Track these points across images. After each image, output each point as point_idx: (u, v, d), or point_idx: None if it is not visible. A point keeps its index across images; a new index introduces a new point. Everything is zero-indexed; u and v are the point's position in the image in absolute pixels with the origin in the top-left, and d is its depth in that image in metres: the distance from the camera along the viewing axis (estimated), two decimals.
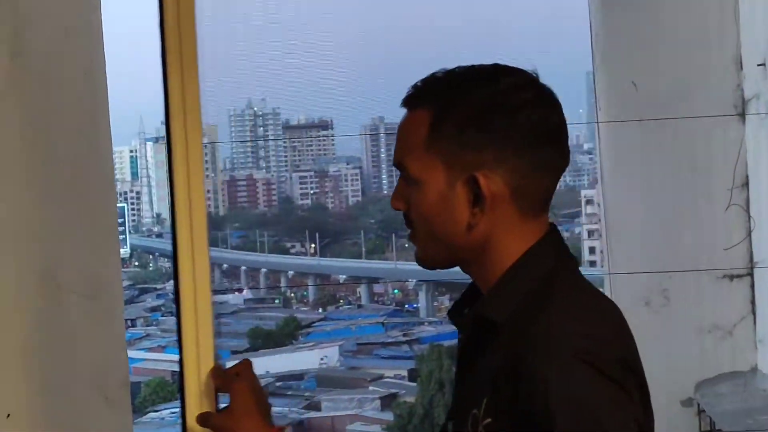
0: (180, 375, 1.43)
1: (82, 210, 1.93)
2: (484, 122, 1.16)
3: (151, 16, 1.36)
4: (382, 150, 30.64)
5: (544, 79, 1.19)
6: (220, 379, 1.43)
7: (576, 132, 27.48)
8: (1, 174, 1.76)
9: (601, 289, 1.29)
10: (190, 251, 1.42)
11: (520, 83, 1.19)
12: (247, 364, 1.46)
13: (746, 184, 3.47)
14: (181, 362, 1.43)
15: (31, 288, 1.80)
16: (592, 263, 23.04)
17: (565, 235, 25.28)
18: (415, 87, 1.21)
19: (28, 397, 1.79)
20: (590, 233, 23.79)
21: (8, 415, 1.71)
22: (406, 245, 29.80)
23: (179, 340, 1.44)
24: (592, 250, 23.23)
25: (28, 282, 1.79)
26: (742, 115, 3.45)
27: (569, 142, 1.24)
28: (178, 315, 1.47)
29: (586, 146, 26.42)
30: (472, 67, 1.22)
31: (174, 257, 1.45)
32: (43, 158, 1.88)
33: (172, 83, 1.37)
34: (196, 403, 1.37)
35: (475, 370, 1.19)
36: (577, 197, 25.37)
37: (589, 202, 24.23)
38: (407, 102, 1.21)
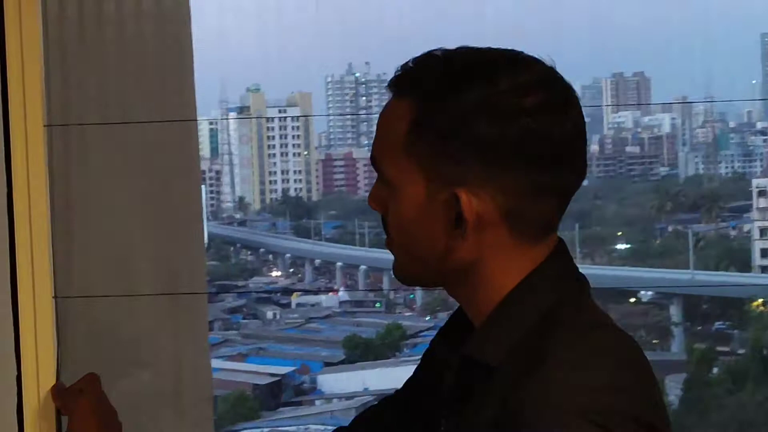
0: (18, 393, 1.47)
1: (160, 191, 2.01)
2: (470, 130, 1.12)
3: None
4: None
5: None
6: (62, 397, 1.45)
7: (747, 108, 26.91)
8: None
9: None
10: (29, 251, 1.46)
11: (525, 83, 1.14)
12: (92, 379, 1.49)
13: None
14: (18, 379, 1.47)
15: (100, 282, 1.89)
16: (765, 269, 22.62)
17: (732, 233, 24.93)
18: (404, 68, 1.18)
19: None
20: (763, 231, 23.32)
21: None
22: None
23: (17, 354, 1.47)
24: (765, 253, 22.83)
25: (98, 275, 1.88)
26: None
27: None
28: (15, 324, 1.49)
29: (759, 125, 25.89)
30: (479, 53, 1.17)
31: (11, 259, 1.48)
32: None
33: (10, 65, 1.47)
34: (34, 426, 1.41)
35: (463, 416, 1.17)
36: (748, 187, 24.83)
37: (762, 193, 23.76)
38: (392, 85, 1.18)
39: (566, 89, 1.17)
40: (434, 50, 1.18)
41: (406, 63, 1.18)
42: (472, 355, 1.16)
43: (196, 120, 2.15)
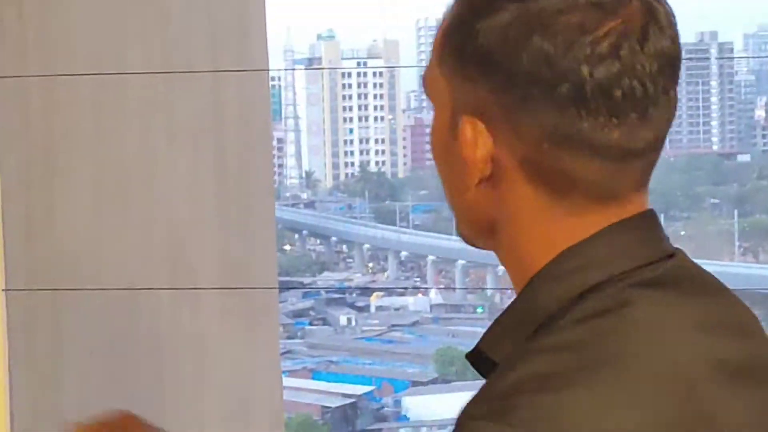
0: None
1: (225, 171, 2.10)
2: (489, 48, 1.15)
3: None
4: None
5: None
6: None
7: None
8: None
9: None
10: None
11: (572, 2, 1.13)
12: (129, 421, 1.52)
13: None
14: None
15: (159, 276, 1.98)
16: None
17: None
18: None
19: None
20: None
21: None
22: (682, 232, 29.56)
23: None
24: None
25: (154, 268, 1.97)
26: None
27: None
28: None
29: None
30: None
31: None
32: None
33: None
34: None
35: None
36: None
37: None
38: None
39: (646, 11, 1.14)
40: None
41: None
42: (479, 347, 1.19)
43: (268, 70, 2.22)
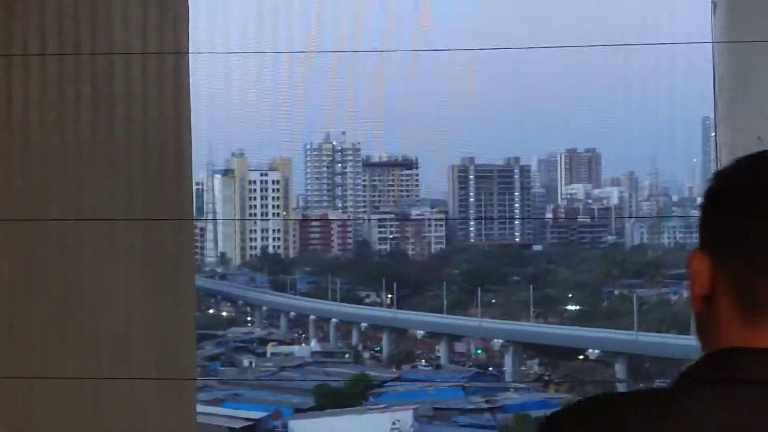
0: None
1: (160, 254, 2.04)
2: (711, 214, 1.20)
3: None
4: (471, 194, 30.82)
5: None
6: None
7: (688, 183, 27.29)
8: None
9: None
10: None
11: (758, 186, 1.15)
12: None
13: None
14: None
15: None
16: None
17: (673, 298, 25.02)
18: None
19: None
20: None
21: None
22: (493, 300, 29.77)
23: None
24: None
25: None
26: None
27: None
28: None
29: (699, 200, 26.22)
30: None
31: None
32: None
33: None
34: None
35: None
36: (688, 256, 25.33)
37: None
38: None
39: None
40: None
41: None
42: None
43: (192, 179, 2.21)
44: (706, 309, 1.16)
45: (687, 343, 22.46)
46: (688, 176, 27.82)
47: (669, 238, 27.35)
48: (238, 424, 23.26)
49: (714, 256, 1.17)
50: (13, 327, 1.82)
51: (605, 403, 1.13)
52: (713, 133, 3.48)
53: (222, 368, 26.71)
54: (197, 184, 32.50)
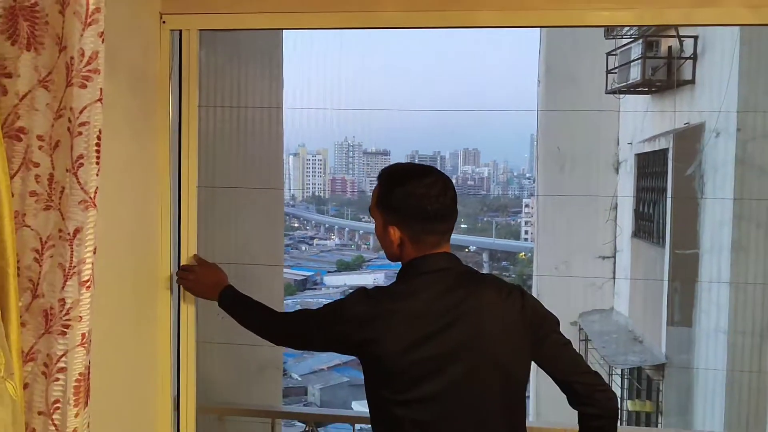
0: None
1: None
2: (396, 204, 1.68)
3: None
4: None
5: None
6: (186, 268, 2.07)
7: (522, 166, 38.21)
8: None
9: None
10: None
11: (426, 184, 1.63)
12: (197, 257, 2.07)
13: (616, 208, 6.40)
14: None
15: None
16: (525, 239, 28.79)
17: (512, 223, 34.43)
18: (379, 174, 1.73)
19: None
20: (525, 223, 30.34)
21: None
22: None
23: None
24: (525, 232, 29.24)
25: None
26: (617, 170, 6.60)
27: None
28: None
29: (527, 174, 36.13)
30: (408, 166, 1.72)
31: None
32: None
33: None
34: None
35: None
36: (520, 204, 34.48)
37: (526, 205, 31.57)
38: (378, 177, 1.76)
39: (446, 182, 1.63)
40: (389, 165, 1.72)
41: (381, 171, 1.74)
42: None
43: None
44: (399, 246, 1.75)
45: (517, 244, 31.01)
46: (522, 164, 39.54)
47: (512, 194, 38.43)
48: (298, 278, 29.08)
49: (398, 223, 1.71)
50: None
51: (380, 291, 1.66)
52: (535, 144, 6.40)
53: (290, 250, 32.86)
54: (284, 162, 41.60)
